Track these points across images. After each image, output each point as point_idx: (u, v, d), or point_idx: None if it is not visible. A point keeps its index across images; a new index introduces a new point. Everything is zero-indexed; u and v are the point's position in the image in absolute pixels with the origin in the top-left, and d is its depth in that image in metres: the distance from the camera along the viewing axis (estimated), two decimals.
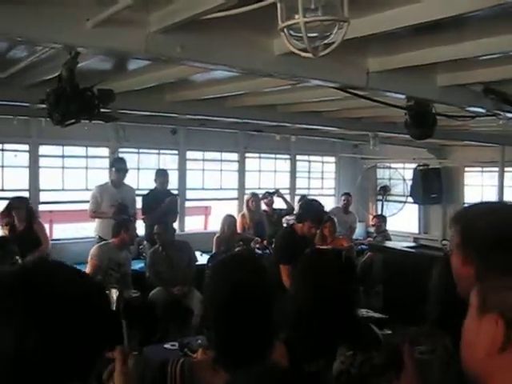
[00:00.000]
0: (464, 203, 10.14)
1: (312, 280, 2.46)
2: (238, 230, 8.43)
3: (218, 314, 1.89)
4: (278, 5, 1.53)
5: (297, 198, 9.89)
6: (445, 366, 1.71)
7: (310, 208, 5.40)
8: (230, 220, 8.01)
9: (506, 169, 8.85)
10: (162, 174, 7.94)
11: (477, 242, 1.51)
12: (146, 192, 7.91)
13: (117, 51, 3.15)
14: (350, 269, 2.62)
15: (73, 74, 3.17)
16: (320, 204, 5.53)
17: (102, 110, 3.47)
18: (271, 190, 9.29)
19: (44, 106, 3.55)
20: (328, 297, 2.38)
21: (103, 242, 6.42)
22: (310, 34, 1.49)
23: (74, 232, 9.33)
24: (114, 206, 7.17)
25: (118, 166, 7.41)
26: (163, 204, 7.43)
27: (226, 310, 1.86)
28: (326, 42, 1.55)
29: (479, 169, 10.32)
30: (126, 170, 7.48)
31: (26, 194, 7.57)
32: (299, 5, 1.43)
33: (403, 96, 4.52)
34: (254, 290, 1.90)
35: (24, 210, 6.39)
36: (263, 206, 8.99)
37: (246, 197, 9.13)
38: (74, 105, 3.17)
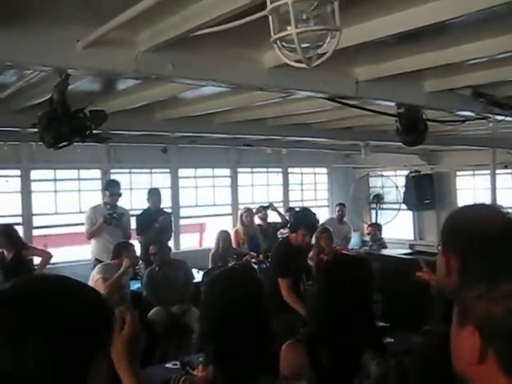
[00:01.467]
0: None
1: (335, 288, 2.47)
2: (233, 245, 8.42)
3: (215, 330, 1.90)
4: (270, 17, 1.54)
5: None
6: None
7: (302, 216, 5.39)
8: (224, 235, 8.00)
9: (497, 171, 8.89)
10: (154, 193, 7.91)
11: (454, 248, 1.52)
12: (139, 212, 7.87)
13: (107, 72, 3.16)
14: (369, 277, 2.65)
15: (64, 96, 3.18)
16: (311, 211, 5.53)
17: (93, 131, 3.46)
18: (265, 204, 9.30)
19: (35, 129, 3.55)
20: (352, 304, 2.41)
21: (105, 263, 6.34)
22: (302, 45, 1.50)
23: (69, 255, 9.25)
24: (104, 216, 7.11)
25: (112, 191, 7.31)
26: (157, 224, 7.40)
27: (223, 326, 1.87)
28: (318, 51, 1.55)
29: (471, 172, 10.38)
30: (119, 195, 7.40)
31: (19, 220, 7.56)
32: (291, 16, 1.44)
33: (393, 103, 4.55)
34: (250, 305, 1.91)
35: (3, 238, 6.29)
36: (257, 221, 8.98)
37: (239, 212, 9.13)
38: (66, 127, 3.17)
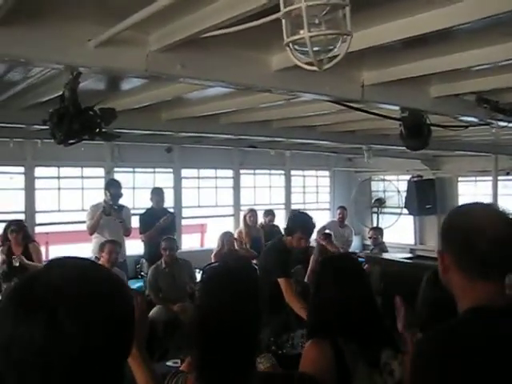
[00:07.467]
0: None
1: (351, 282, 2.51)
2: (236, 245, 8.46)
3: (200, 335, 1.82)
4: (283, 21, 1.58)
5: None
6: None
7: (299, 219, 5.28)
8: (227, 236, 8.02)
9: (499, 178, 8.93)
10: (157, 193, 7.94)
11: (446, 248, 1.59)
12: (142, 211, 7.90)
13: (118, 71, 3.21)
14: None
15: (75, 93, 3.22)
16: (308, 215, 5.47)
17: (102, 128, 3.51)
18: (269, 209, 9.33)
19: (40, 127, 3.59)
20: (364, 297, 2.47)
21: None
22: (314, 48, 1.54)
23: (70, 253, 9.28)
24: (103, 206, 7.06)
25: (113, 192, 7.19)
26: (158, 222, 7.42)
27: (206, 332, 1.80)
28: (329, 55, 1.60)
29: (473, 178, 10.42)
30: (120, 196, 7.28)
31: (22, 216, 7.58)
32: (304, 20, 1.48)
33: (397, 107, 4.59)
34: (236, 313, 1.80)
35: (21, 233, 6.34)
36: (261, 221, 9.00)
37: (242, 213, 9.16)
38: (76, 124, 3.21)
